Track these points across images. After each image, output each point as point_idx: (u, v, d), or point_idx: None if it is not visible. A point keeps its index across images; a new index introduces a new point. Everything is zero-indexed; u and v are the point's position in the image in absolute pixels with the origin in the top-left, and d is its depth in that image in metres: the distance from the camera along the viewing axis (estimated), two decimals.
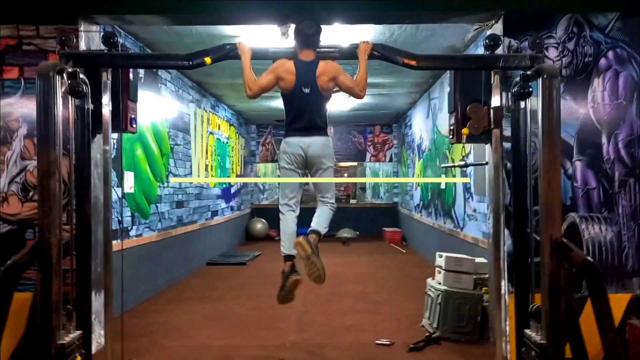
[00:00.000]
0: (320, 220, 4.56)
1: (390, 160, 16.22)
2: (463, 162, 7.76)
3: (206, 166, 10.99)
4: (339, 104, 11.80)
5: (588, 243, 4.74)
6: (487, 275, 5.74)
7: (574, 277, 4.06)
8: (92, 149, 4.26)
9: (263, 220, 14.85)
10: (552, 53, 4.77)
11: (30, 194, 4.74)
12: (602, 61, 4.80)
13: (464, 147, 8.09)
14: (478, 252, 6.82)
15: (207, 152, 11.08)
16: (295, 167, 4.53)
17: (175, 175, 9.03)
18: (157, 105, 8.24)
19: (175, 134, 9.05)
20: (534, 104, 4.00)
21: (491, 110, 4.37)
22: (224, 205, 12.40)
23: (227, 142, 12.86)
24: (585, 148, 4.78)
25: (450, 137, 4.63)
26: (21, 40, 4.79)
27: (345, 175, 16.41)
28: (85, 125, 4.13)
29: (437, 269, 6.16)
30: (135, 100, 4.55)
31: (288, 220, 4.59)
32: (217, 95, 11.61)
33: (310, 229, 4.52)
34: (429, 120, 11.01)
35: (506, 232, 4.61)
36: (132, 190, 7.30)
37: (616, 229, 4.75)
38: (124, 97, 4.42)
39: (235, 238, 13.54)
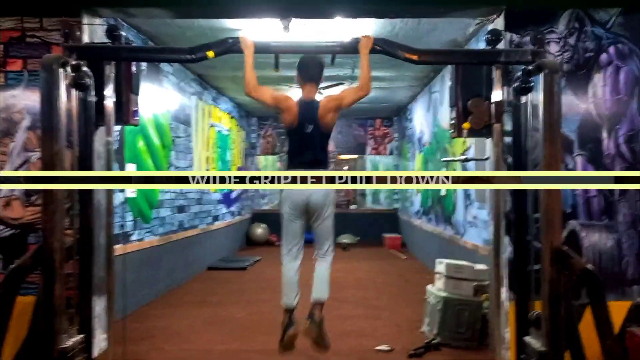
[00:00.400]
0: (322, 288, 4.69)
1: (391, 153, 16.19)
2: (464, 157, 7.75)
3: (207, 158, 11.01)
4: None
5: (589, 252, 4.75)
6: (487, 282, 5.75)
7: (573, 284, 4.07)
8: (95, 141, 4.26)
9: (263, 225, 14.85)
10: (554, 48, 4.77)
11: (33, 198, 4.76)
12: (603, 56, 4.81)
13: (464, 141, 8.08)
14: (478, 259, 6.83)
15: (208, 145, 11.11)
16: (297, 214, 4.62)
17: (177, 168, 9.05)
18: (159, 98, 8.28)
19: (176, 127, 9.09)
20: (535, 98, 4.02)
21: (492, 105, 4.37)
22: (224, 210, 12.42)
23: (228, 135, 12.87)
24: (586, 143, 4.79)
25: (452, 131, 4.62)
26: (25, 32, 4.80)
27: (346, 168, 16.32)
28: (88, 118, 4.14)
29: (437, 275, 6.18)
30: (137, 93, 4.54)
31: (290, 272, 4.70)
32: (219, 87, 11.65)
33: (313, 300, 4.64)
34: (430, 114, 11.01)
35: (506, 239, 4.62)
36: (134, 195, 7.32)
37: (616, 236, 4.76)
38: (126, 89, 4.42)
39: (235, 243, 13.55)
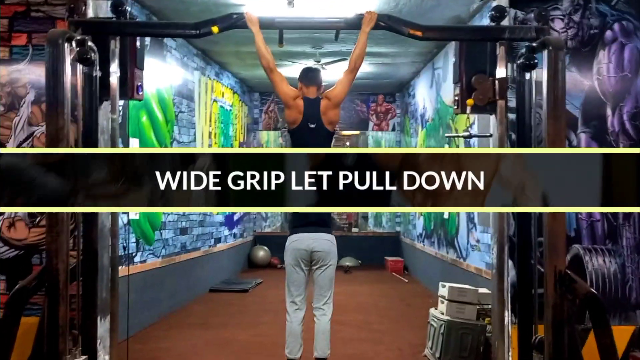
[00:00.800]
0: (324, 344, 4.93)
1: (393, 129, 16.03)
2: (467, 133, 7.73)
3: (210, 133, 11.01)
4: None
5: (592, 276, 4.74)
6: (490, 306, 5.74)
7: (577, 308, 4.06)
8: (99, 115, 4.26)
9: (265, 248, 14.81)
10: (558, 25, 4.77)
11: (37, 219, 4.76)
12: (608, 33, 4.80)
13: (468, 117, 8.04)
14: (481, 283, 6.82)
15: (210, 120, 11.12)
16: (300, 264, 4.76)
17: (180, 143, 9.08)
18: (163, 73, 8.32)
19: (179, 101, 9.12)
20: (540, 75, 4.00)
21: (496, 82, 4.34)
22: (226, 232, 12.41)
23: (230, 110, 12.84)
24: (590, 120, 4.78)
25: (455, 107, 4.58)
26: (30, 7, 4.78)
27: (348, 144, 16.17)
28: (93, 92, 4.14)
29: (440, 299, 6.16)
30: (141, 68, 4.54)
31: (294, 323, 4.87)
32: (221, 62, 11.66)
33: (317, 356, 4.90)
34: (433, 90, 10.96)
35: (510, 262, 4.62)
36: (137, 217, 7.33)
37: (620, 261, 4.75)
38: (131, 64, 4.41)
39: (237, 265, 13.51)
